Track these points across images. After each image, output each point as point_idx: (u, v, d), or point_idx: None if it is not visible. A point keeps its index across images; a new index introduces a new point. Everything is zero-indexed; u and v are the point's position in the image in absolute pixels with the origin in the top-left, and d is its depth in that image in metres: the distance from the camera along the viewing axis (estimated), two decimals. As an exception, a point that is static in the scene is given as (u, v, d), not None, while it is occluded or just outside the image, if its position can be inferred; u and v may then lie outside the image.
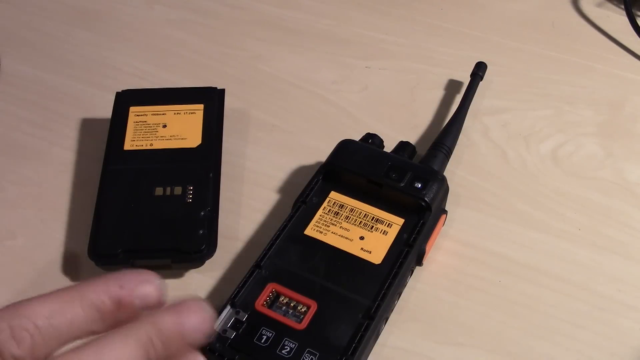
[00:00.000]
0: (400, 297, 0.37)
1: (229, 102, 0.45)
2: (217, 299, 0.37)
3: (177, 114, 0.43)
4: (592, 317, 0.36)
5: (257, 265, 0.35)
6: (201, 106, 0.44)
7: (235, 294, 0.34)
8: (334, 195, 0.39)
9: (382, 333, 0.35)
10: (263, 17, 0.55)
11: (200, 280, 0.38)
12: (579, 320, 0.36)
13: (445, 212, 0.39)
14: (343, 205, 0.38)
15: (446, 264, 0.39)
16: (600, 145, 0.45)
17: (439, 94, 0.49)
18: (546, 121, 0.47)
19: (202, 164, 0.41)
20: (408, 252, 0.36)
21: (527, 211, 0.41)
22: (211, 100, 0.44)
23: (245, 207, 0.42)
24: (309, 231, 0.37)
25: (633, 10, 0.54)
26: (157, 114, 0.43)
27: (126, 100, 0.44)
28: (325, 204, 0.38)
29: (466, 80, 0.47)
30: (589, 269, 0.39)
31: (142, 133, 0.42)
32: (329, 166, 0.40)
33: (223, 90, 0.45)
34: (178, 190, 0.39)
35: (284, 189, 0.43)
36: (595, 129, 0.46)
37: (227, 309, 0.34)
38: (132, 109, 0.44)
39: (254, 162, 0.44)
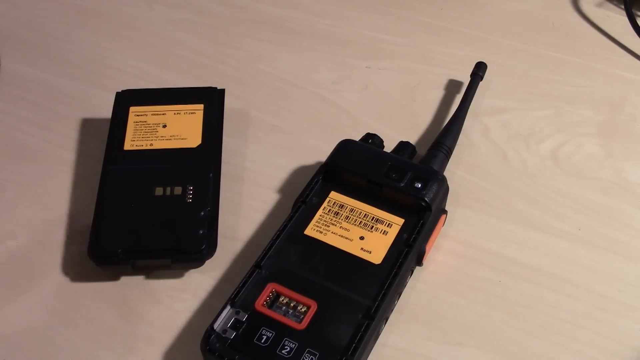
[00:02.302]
0: (400, 297, 0.37)
1: (229, 102, 0.45)
2: (217, 299, 0.37)
3: (177, 114, 0.43)
4: (592, 317, 0.36)
5: (257, 265, 0.35)
6: (201, 106, 0.44)
7: (235, 294, 0.34)
8: (334, 195, 0.39)
9: (382, 333, 0.35)
10: (263, 17, 0.55)
11: (200, 280, 0.38)
12: (579, 320, 0.36)
13: (445, 212, 0.39)
14: (343, 205, 0.38)
15: (446, 264, 0.39)
16: (600, 145, 0.45)
17: (439, 94, 0.49)
18: (546, 121, 0.47)
19: (202, 164, 0.41)
20: (408, 252, 0.36)
21: (527, 211, 0.41)
22: (211, 100, 0.44)
23: (245, 207, 0.42)
24: (309, 231, 0.37)
25: (633, 10, 0.54)
26: (157, 114, 0.43)
27: (126, 100, 0.44)
28: (325, 204, 0.38)
29: (466, 80, 0.47)
30: (589, 269, 0.39)
31: (142, 133, 0.42)
32: (329, 166, 0.40)
33: (223, 90, 0.45)
34: (178, 190, 0.39)
35: (284, 189, 0.43)
36: (595, 129, 0.46)
37: (227, 309, 0.34)
38: (132, 109, 0.44)
39: (254, 162, 0.44)
